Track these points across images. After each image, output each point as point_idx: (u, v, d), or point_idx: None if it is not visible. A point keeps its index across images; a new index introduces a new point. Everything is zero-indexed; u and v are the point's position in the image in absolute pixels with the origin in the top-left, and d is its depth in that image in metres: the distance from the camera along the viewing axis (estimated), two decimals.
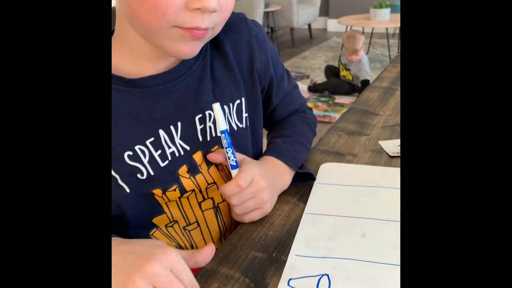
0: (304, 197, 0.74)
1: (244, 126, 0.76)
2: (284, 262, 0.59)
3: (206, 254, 0.57)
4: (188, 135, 0.68)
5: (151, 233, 0.71)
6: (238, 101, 0.74)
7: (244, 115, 0.76)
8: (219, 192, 0.71)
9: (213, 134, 0.71)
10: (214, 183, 0.72)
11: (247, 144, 0.77)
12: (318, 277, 0.56)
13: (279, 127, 0.87)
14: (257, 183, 0.67)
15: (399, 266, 0.57)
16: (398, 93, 1.23)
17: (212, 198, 0.73)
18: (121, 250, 0.52)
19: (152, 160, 0.65)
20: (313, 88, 3.72)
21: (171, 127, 0.67)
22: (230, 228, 0.78)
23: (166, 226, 0.71)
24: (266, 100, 0.83)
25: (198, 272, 0.58)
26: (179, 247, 0.74)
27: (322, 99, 3.61)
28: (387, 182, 0.79)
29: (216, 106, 0.67)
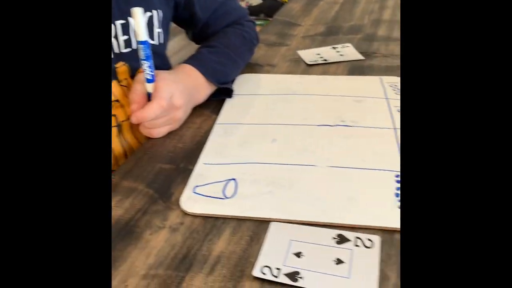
0: (217, 109, 0.71)
1: (157, 43, 0.71)
2: (192, 171, 0.57)
3: None
4: None
5: None
6: (149, 14, 0.68)
7: (157, 30, 0.70)
8: (123, 110, 0.67)
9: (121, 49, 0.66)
10: (117, 101, 0.68)
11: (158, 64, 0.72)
12: (225, 182, 0.55)
13: (210, 38, 0.80)
14: (174, 102, 0.63)
15: (309, 166, 0.58)
16: (321, 3, 1.19)
17: (115, 116, 0.68)
18: None
19: None
20: (248, 11, 3.60)
21: None
22: (134, 146, 0.74)
23: None
24: (190, 16, 0.77)
25: None
26: None
27: (258, 22, 3.51)
28: (303, 89, 0.77)
29: (137, 12, 0.59)
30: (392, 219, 0.49)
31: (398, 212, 0.50)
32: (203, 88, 0.72)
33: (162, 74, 0.65)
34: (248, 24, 0.84)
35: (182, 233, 0.49)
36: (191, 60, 0.72)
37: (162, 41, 0.74)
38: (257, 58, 0.89)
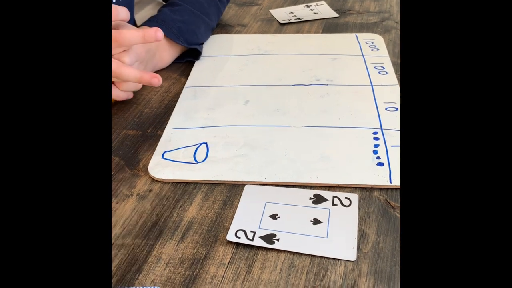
0: (186, 72, 0.68)
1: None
2: (160, 136, 0.54)
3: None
4: None
5: None
6: None
7: None
8: None
9: None
10: None
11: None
12: (196, 146, 0.53)
13: None
14: (122, 59, 0.56)
15: (284, 127, 0.55)
16: None
17: None
18: None
19: None
20: None
21: None
22: None
23: None
24: None
25: None
26: None
27: None
28: (275, 48, 0.74)
29: None
30: (370, 176, 0.47)
31: (376, 169, 0.48)
32: (166, 50, 0.67)
33: (123, 25, 0.58)
34: None
35: (150, 200, 0.46)
36: (151, 22, 0.66)
37: None
38: (228, 19, 0.84)
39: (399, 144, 0.51)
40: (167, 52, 0.68)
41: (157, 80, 0.55)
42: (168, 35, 0.66)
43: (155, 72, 0.67)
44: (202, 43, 0.74)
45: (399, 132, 0.53)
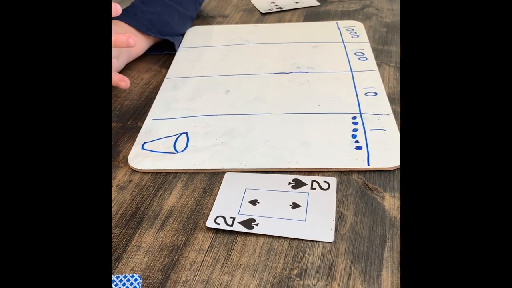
0: (167, 64, 0.67)
1: None
2: (140, 128, 0.54)
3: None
4: None
5: None
6: None
7: None
8: None
9: None
10: None
11: None
12: (176, 136, 0.53)
13: None
14: None
15: (264, 115, 0.55)
16: None
17: None
18: None
19: None
20: None
21: None
22: None
23: None
24: None
25: None
26: None
27: None
28: (256, 38, 0.74)
29: None
30: (349, 160, 0.47)
31: (354, 152, 0.48)
32: (138, 41, 0.67)
33: None
34: None
35: (130, 190, 0.46)
36: (121, 16, 0.66)
37: None
38: (209, 10, 0.84)
39: (378, 128, 0.52)
40: (139, 43, 0.67)
41: (124, 83, 0.55)
42: (139, 27, 0.66)
43: (132, 62, 0.67)
44: (182, 34, 0.73)
45: (378, 116, 0.54)
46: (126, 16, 0.66)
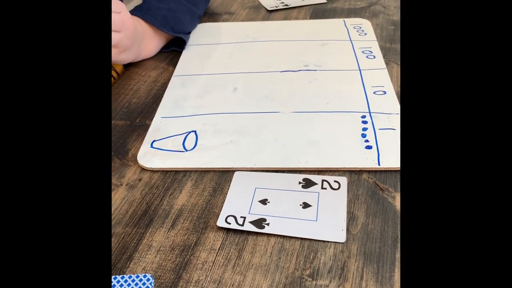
0: (174, 61, 0.67)
1: None
2: (149, 126, 0.54)
3: None
4: None
5: None
6: None
7: None
8: None
9: None
10: None
11: None
12: (185, 134, 0.52)
13: None
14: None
15: (273, 113, 0.55)
16: None
17: None
18: None
19: None
20: None
21: None
22: None
23: None
24: None
25: None
26: None
27: None
28: (263, 36, 0.74)
29: None
30: (359, 159, 0.47)
31: (364, 152, 0.48)
32: (151, 39, 0.67)
33: (124, 10, 0.60)
34: None
35: (140, 189, 0.46)
36: (136, 11, 0.66)
37: None
38: (215, 7, 0.84)
39: (387, 127, 0.52)
40: (152, 41, 0.67)
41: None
42: (153, 23, 0.65)
43: (141, 62, 0.67)
44: (189, 32, 0.73)
45: (388, 115, 0.54)
46: (141, 12, 0.66)
